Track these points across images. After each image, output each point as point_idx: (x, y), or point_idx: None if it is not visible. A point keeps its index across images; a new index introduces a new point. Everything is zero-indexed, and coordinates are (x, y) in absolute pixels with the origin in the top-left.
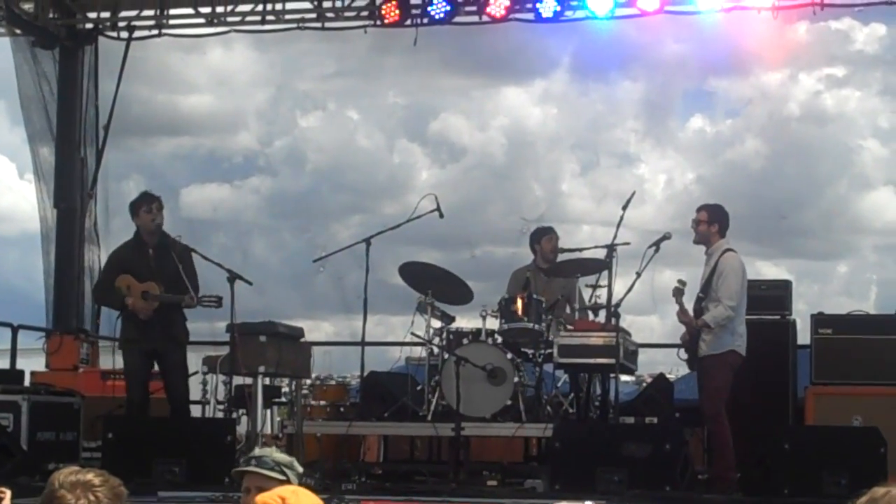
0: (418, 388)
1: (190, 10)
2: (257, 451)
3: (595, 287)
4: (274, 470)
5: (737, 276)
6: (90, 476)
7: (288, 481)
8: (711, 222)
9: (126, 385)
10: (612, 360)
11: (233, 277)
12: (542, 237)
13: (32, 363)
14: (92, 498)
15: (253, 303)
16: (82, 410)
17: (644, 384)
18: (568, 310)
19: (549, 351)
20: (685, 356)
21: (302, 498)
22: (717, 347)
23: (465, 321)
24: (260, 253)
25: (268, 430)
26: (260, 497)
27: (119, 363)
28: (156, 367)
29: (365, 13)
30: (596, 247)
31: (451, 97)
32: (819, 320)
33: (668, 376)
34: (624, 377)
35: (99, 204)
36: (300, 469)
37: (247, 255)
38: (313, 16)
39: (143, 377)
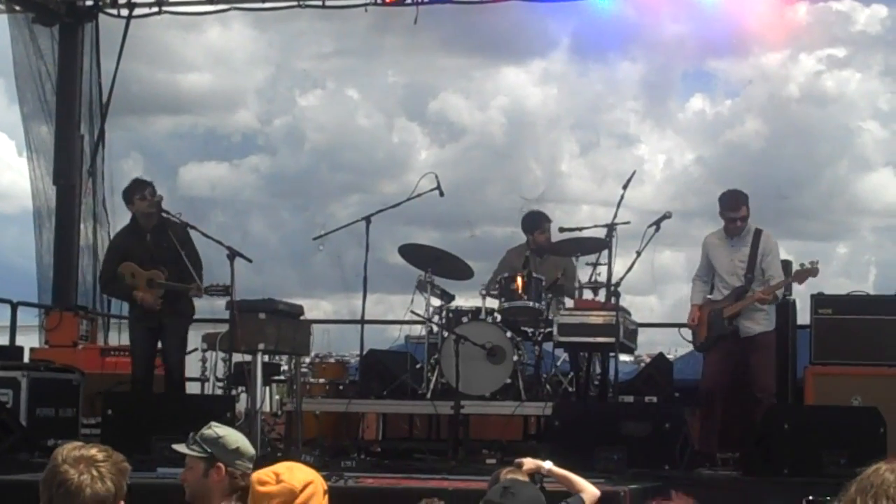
0: (417, 366)
1: None
2: None
3: (595, 266)
4: (192, 447)
5: (778, 255)
6: (93, 451)
7: (213, 457)
8: (749, 213)
9: (131, 361)
10: (612, 339)
11: (232, 255)
12: (535, 230)
13: (30, 340)
14: (95, 473)
15: (252, 281)
16: (81, 387)
17: (643, 363)
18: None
19: (549, 329)
20: (692, 338)
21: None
22: (769, 325)
23: (465, 300)
24: (259, 231)
25: (267, 408)
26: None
27: (122, 340)
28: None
29: None
30: (596, 226)
31: (451, 77)
32: (819, 300)
33: (667, 356)
34: (623, 356)
35: (105, 182)
36: (233, 445)
37: (245, 233)
38: None
39: (148, 354)
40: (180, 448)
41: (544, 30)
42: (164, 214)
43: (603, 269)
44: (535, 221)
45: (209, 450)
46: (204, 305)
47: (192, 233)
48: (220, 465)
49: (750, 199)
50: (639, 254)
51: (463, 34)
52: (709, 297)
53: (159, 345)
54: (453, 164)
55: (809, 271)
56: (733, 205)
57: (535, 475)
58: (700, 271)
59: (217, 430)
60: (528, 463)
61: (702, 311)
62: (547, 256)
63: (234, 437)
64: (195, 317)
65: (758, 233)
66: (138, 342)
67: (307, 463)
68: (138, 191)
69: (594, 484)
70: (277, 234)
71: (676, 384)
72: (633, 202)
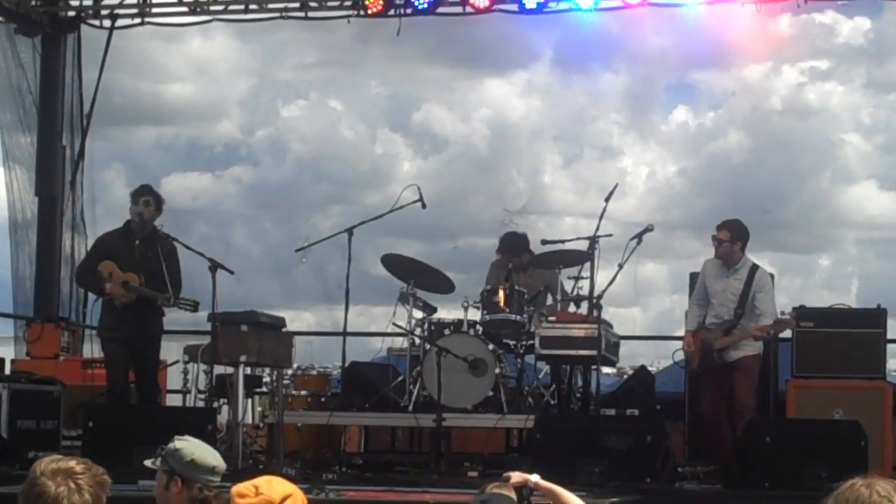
0: (399, 378)
1: None
2: None
3: (577, 279)
4: (155, 461)
5: (771, 292)
6: (72, 464)
7: (172, 470)
8: (734, 241)
9: (107, 374)
10: (594, 352)
11: (214, 266)
12: (517, 254)
13: (6, 351)
14: (73, 486)
15: (234, 293)
16: (63, 399)
17: (625, 376)
18: (549, 300)
19: (531, 342)
20: (688, 363)
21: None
22: (754, 350)
23: (447, 312)
24: (241, 243)
25: (248, 420)
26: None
27: (101, 352)
28: None
29: (348, 3)
30: (578, 238)
31: (434, 88)
32: (801, 313)
33: (649, 368)
34: (605, 369)
35: (84, 193)
36: (188, 458)
37: (228, 244)
38: (296, 5)
39: (124, 366)
40: (147, 462)
41: (527, 42)
42: (161, 232)
43: (585, 282)
44: (515, 247)
45: (169, 462)
46: (186, 317)
47: (178, 248)
48: (177, 478)
49: (732, 213)
50: (621, 266)
51: (446, 46)
52: (706, 325)
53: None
54: (436, 176)
55: (788, 323)
56: (718, 225)
57: (523, 489)
58: (696, 296)
59: (177, 442)
60: (516, 476)
61: (695, 337)
62: (530, 269)
63: (191, 450)
64: (178, 329)
65: (753, 268)
66: (114, 355)
67: (288, 476)
68: (135, 196)
69: (578, 497)
70: (260, 245)
71: (658, 397)
72: (615, 214)
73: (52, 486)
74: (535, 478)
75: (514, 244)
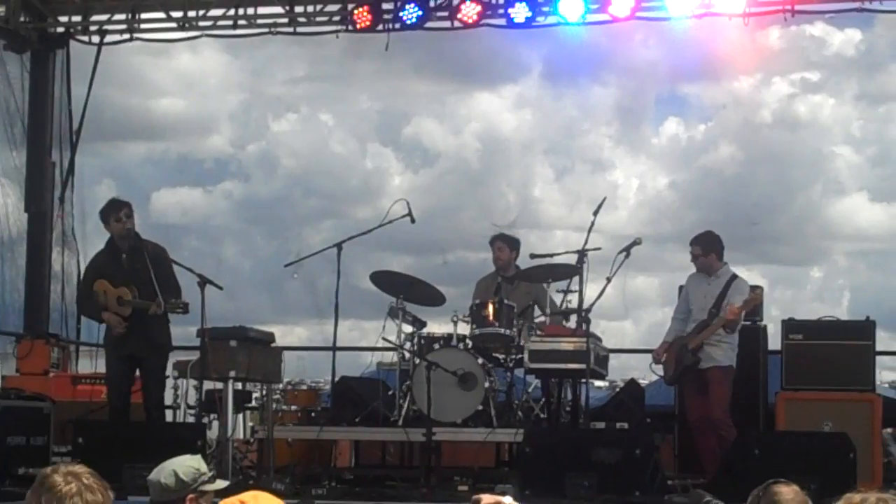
0: (389, 393)
1: (161, 15)
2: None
3: (566, 292)
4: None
5: (745, 298)
6: (80, 470)
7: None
8: (707, 253)
9: (107, 391)
10: (583, 366)
11: (203, 282)
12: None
13: None
14: (83, 484)
15: (224, 308)
16: (52, 415)
17: (615, 389)
18: (538, 314)
19: (520, 356)
20: (663, 372)
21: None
22: (724, 361)
23: (437, 326)
24: (231, 257)
25: (239, 435)
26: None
27: (94, 367)
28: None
29: (337, 18)
30: (567, 252)
31: (424, 102)
32: (790, 326)
33: (639, 382)
34: (596, 382)
35: (74, 208)
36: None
37: (219, 259)
38: (285, 20)
39: (125, 384)
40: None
41: (516, 56)
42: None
43: (574, 296)
44: (510, 239)
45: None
46: (175, 333)
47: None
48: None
49: (723, 225)
50: (609, 280)
51: (435, 60)
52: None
53: (136, 372)
54: (427, 190)
55: (755, 298)
56: (690, 241)
57: None
58: (677, 309)
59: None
60: (487, 499)
61: (671, 346)
62: (518, 283)
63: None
64: None
65: (733, 276)
66: (114, 372)
67: (276, 491)
68: (114, 212)
69: None
70: (250, 260)
71: (648, 410)
72: (606, 227)
73: (61, 483)
74: (507, 500)
75: (509, 237)
